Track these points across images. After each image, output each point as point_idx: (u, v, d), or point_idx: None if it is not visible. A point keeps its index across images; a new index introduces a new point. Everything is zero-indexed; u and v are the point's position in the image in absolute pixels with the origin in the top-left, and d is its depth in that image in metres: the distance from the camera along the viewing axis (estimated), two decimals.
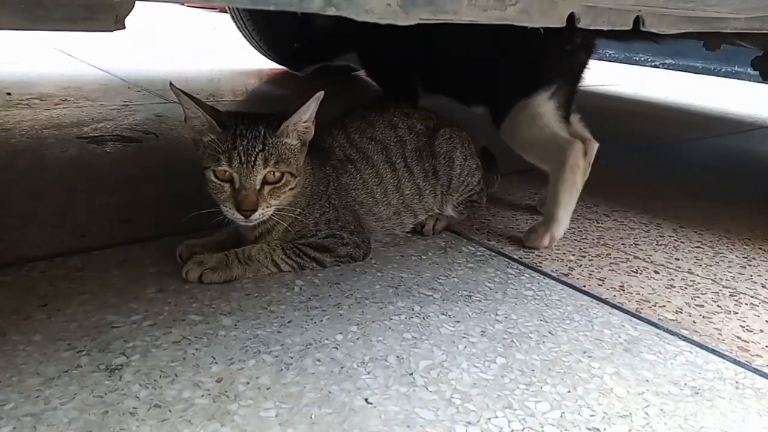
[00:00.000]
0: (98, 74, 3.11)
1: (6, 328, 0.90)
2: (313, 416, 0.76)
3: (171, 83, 1.05)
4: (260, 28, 3.35)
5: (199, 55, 4.02)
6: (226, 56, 3.99)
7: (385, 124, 1.32)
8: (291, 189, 1.08)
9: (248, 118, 1.07)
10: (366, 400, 0.80)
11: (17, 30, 0.77)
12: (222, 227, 1.20)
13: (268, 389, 0.81)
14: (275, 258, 1.13)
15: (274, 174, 1.04)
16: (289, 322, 0.98)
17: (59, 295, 1.01)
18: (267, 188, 1.04)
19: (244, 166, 1.02)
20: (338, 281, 1.12)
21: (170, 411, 0.75)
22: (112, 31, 0.99)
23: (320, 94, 1.05)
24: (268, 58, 3.52)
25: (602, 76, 4.78)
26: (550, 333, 1.00)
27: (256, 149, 1.02)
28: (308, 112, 1.06)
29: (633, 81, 4.65)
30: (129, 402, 0.76)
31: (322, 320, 0.99)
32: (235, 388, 0.80)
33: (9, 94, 2.52)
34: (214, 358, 0.86)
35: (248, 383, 0.81)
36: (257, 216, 1.03)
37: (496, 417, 0.79)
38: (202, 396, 0.78)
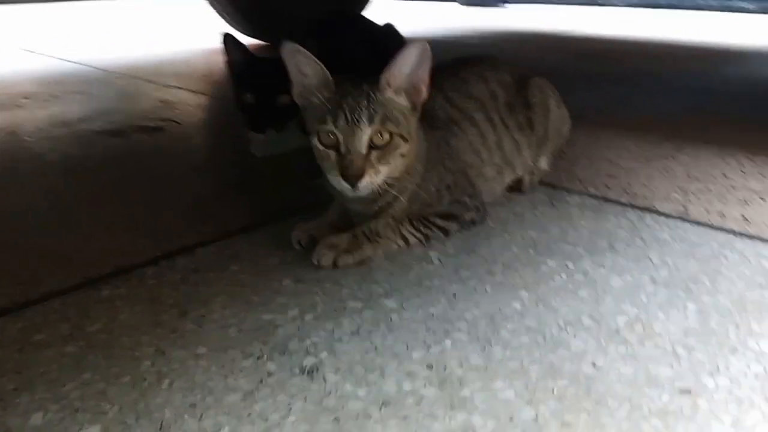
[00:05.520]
0: (75, 67, 2.87)
1: (159, 344, 0.79)
2: (554, 390, 0.70)
3: (284, 43, 0.95)
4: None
5: (160, 37, 3.77)
6: (184, 36, 3.75)
7: (477, 78, 1.23)
8: (402, 155, 0.98)
9: (354, 78, 0.97)
10: (593, 364, 0.75)
11: None
12: (329, 206, 1.11)
13: (486, 369, 0.74)
14: (404, 232, 1.04)
15: (381, 135, 0.94)
16: (454, 295, 0.91)
17: (192, 300, 0.90)
18: (374, 153, 0.94)
19: (349, 125, 0.92)
20: (472, 248, 1.06)
21: (404, 407, 0.68)
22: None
23: (422, 44, 0.94)
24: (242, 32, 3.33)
25: (568, 19, 4.77)
26: (715, 272, 0.97)
27: (361, 106, 0.93)
28: (407, 63, 0.95)
29: (601, 21, 4.66)
30: (354, 404, 0.68)
31: (486, 290, 0.92)
32: (453, 373, 0.73)
33: None
34: (407, 345, 0.79)
35: (462, 365, 0.75)
36: (365, 184, 0.93)
37: (732, 364, 0.75)
38: (426, 386, 0.71)
